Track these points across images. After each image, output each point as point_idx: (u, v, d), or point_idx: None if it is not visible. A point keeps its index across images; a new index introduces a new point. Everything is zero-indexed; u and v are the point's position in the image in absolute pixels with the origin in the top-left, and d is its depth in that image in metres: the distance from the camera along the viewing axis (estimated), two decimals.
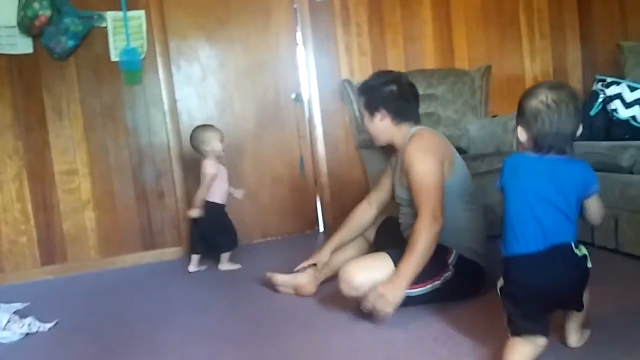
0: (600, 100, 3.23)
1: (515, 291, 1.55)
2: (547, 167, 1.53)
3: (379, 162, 3.05)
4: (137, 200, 3.67)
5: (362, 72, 3.92)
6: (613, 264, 2.52)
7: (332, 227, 3.71)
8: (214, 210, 3.22)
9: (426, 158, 2.12)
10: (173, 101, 3.75)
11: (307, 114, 4.00)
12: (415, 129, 2.29)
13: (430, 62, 4.05)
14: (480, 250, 2.23)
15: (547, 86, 1.55)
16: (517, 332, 1.54)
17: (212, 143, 3.21)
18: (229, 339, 2.06)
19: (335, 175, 3.95)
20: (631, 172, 2.55)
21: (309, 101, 3.96)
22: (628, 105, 3.10)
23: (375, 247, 2.48)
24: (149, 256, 3.67)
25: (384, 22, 4.00)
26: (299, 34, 3.94)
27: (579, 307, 1.59)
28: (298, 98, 3.98)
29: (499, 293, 1.61)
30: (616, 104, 3.14)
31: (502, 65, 4.18)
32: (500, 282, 1.61)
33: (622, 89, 3.15)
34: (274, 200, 3.95)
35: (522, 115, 1.57)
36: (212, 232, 3.21)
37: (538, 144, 1.55)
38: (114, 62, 3.56)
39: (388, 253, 2.11)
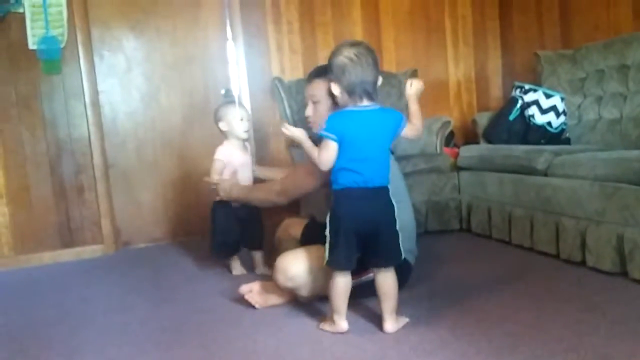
0: (518, 106, 3.39)
1: (343, 219, 1.81)
2: (370, 117, 1.83)
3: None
4: (54, 195, 3.50)
5: (293, 71, 3.93)
6: (528, 261, 2.66)
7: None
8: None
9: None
10: (95, 93, 3.60)
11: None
12: None
13: None
14: (411, 248, 2.27)
15: (348, 44, 1.86)
16: (340, 266, 1.84)
17: (231, 122, 2.73)
18: (152, 340, 1.99)
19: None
20: (546, 175, 2.70)
21: (239, 97, 3.91)
22: (544, 112, 3.28)
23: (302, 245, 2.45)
24: (68, 254, 3.50)
25: (315, 21, 4.02)
26: (229, 29, 3.88)
27: (396, 258, 1.89)
28: (228, 94, 3.90)
29: (328, 226, 1.85)
30: (533, 110, 3.31)
31: (428, 69, 4.31)
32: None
33: (539, 95, 3.32)
34: (200, 197, 3.88)
35: (332, 72, 1.86)
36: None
37: (350, 93, 1.82)
38: (31, 50, 3.37)
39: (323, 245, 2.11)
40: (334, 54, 1.87)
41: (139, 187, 3.79)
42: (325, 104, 2.16)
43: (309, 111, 2.24)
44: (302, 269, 2.07)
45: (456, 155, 3.47)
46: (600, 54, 3.26)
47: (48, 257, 3.48)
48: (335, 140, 1.82)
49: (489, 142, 3.54)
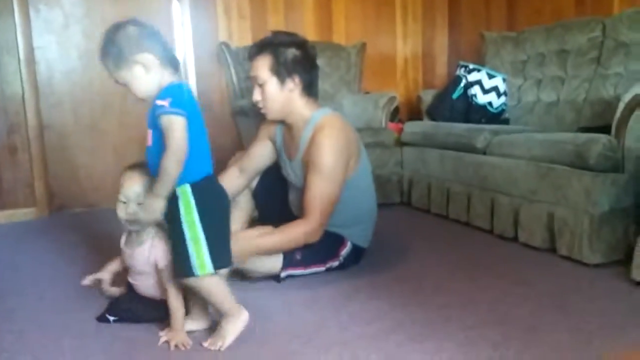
0: (462, 85, 3.46)
1: (217, 210, 1.59)
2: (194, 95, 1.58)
3: (255, 129, 3.02)
4: None
5: (241, 37, 3.85)
6: (464, 236, 2.76)
7: None
8: None
9: (337, 162, 2.01)
10: (30, 49, 3.41)
11: (182, 75, 3.84)
12: (323, 112, 2.10)
13: (310, 33, 4.07)
14: (370, 235, 2.28)
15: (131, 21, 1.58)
16: (224, 264, 1.62)
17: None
18: (88, 308, 1.94)
19: (209, 140, 3.86)
20: (484, 153, 2.79)
21: (184, 61, 3.80)
22: (486, 92, 3.37)
23: (259, 209, 2.37)
24: None
25: None
26: None
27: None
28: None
29: (199, 226, 1.52)
30: (476, 90, 3.39)
31: (377, 43, 4.32)
32: (195, 216, 1.52)
33: (482, 75, 3.40)
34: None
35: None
36: None
37: (165, 64, 1.54)
38: None
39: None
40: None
41: (75, 149, 3.65)
42: (271, 84, 2.03)
43: (257, 95, 2.07)
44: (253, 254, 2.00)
45: (400, 131, 3.52)
46: (541, 37, 3.36)
47: None
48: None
49: (432, 119, 3.61)
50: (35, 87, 3.43)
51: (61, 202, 3.63)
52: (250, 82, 2.12)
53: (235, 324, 1.61)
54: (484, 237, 2.71)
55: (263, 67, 2.03)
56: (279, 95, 2.06)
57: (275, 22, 3.94)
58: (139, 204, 1.60)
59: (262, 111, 2.12)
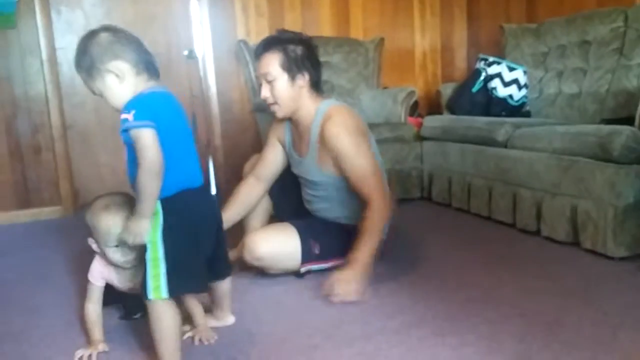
0: (482, 78, 3.44)
1: (191, 226, 1.41)
2: (175, 102, 1.47)
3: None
4: (10, 155, 3.39)
5: (258, 34, 3.86)
6: (486, 230, 2.74)
7: (226, 189, 3.68)
8: None
9: (358, 142, 2.02)
10: (52, 50, 3.47)
11: (201, 73, 3.87)
12: (328, 103, 2.11)
13: (326, 29, 4.07)
14: (387, 227, 2.22)
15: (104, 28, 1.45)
16: (181, 290, 1.44)
17: (102, 247, 2.18)
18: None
19: (229, 137, 3.90)
20: (505, 147, 2.76)
21: (203, 59, 3.83)
22: (506, 85, 3.34)
23: (274, 206, 2.37)
24: (25, 215, 3.43)
25: None
26: None
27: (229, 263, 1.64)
28: (191, 55, 3.84)
29: (160, 246, 1.36)
30: (496, 83, 3.36)
31: (395, 38, 4.30)
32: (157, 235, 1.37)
33: (502, 68, 3.37)
34: None
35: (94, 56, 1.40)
36: None
37: (139, 70, 1.42)
38: None
39: (293, 225, 2.11)
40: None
41: (98, 148, 3.70)
42: (281, 81, 2.03)
43: (266, 92, 2.06)
44: (271, 250, 2.04)
45: (420, 125, 3.50)
46: (562, 29, 3.31)
47: (4, 217, 3.39)
48: None
49: (452, 112, 3.59)
50: (58, 88, 3.49)
51: (86, 200, 3.69)
52: (258, 80, 2.10)
53: None
54: (506, 231, 2.69)
55: (273, 63, 2.03)
56: (289, 91, 2.05)
57: (293, 19, 3.95)
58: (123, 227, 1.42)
59: (272, 108, 2.12)
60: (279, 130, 2.28)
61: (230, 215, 2.21)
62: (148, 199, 1.33)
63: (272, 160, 2.30)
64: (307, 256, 2.09)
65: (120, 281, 1.64)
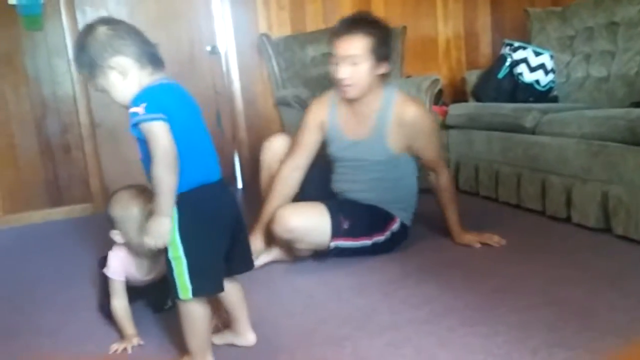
0: (507, 64, 3.38)
1: (209, 223, 1.37)
2: (185, 93, 1.43)
3: (298, 119, 3.04)
4: (41, 154, 3.47)
5: (280, 27, 3.87)
6: (515, 218, 2.71)
7: (251, 183, 3.70)
8: None
9: (433, 121, 2.36)
10: None
11: (224, 68, 3.90)
12: (392, 88, 2.19)
13: None
14: (415, 214, 2.35)
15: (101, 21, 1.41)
16: (205, 291, 1.38)
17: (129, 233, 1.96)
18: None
19: (253, 131, 3.91)
20: (533, 133, 2.72)
21: (226, 55, 3.85)
22: (532, 70, 3.28)
23: (300, 192, 2.34)
24: (57, 213, 3.50)
25: None
26: None
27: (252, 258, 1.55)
28: (214, 51, 3.86)
29: (179, 243, 1.32)
30: (522, 68, 3.31)
31: (417, 27, 4.25)
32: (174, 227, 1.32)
33: (528, 53, 3.31)
34: None
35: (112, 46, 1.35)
36: None
37: (143, 64, 1.37)
38: (11, 5, 3.27)
39: (325, 204, 2.14)
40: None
41: (126, 146, 3.74)
42: (366, 65, 2.03)
43: (346, 72, 2.03)
44: (302, 222, 2.08)
45: (445, 114, 3.47)
46: (589, 11, 3.23)
47: (38, 216, 3.47)
48: None
49: (478, 100, 3.54)
50: (85, 88, 3.54)
51: None
52: (333, 60, 2.08)
53: None
54: (535, 218, 2.65)
55: (361, 47, 2.02)
56: (370, 76, 2.07)
57: (314, 11, 3.94)
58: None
59: (345, 89, 2.08)
60: (321, 113, 2.26)
61: (274, 209, 2.19)
62: (165, 193, 1.28)
63: (310, 147, 2.28)
64: (337, 231, 2.11)
65: (140, 273, 1.67)
